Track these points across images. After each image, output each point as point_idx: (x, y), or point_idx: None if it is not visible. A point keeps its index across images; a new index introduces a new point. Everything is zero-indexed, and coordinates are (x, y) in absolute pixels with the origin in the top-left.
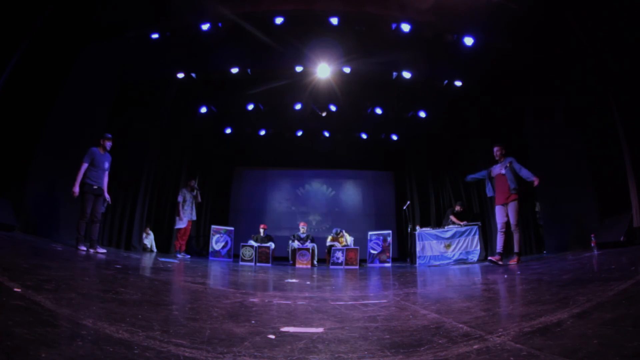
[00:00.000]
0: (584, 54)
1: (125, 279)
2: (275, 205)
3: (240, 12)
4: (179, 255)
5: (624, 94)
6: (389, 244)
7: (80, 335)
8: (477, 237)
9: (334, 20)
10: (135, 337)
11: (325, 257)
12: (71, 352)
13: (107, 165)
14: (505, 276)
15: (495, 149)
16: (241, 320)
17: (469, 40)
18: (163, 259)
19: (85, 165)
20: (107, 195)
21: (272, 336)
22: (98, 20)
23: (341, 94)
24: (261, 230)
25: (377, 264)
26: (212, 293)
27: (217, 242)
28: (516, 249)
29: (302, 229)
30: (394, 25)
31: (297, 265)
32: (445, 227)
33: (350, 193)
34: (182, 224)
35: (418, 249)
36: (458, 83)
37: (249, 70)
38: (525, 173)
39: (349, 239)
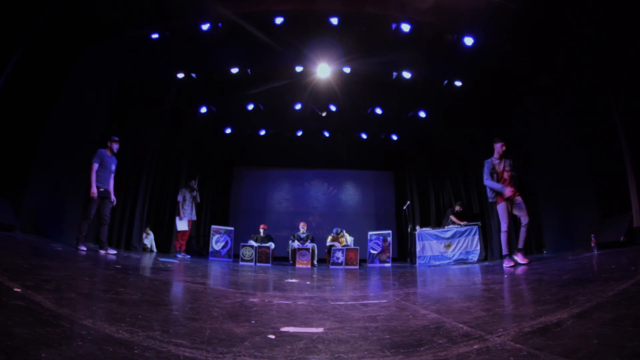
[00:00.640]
0: (584, 54)
1: (125, 279)
2: (275, 205)
3: (240, 12)
4: (179, 255)
5: (624, 94)
6: (389, 244)
7: (80, 335)
8: (477, 237)
9: (334, 20)
10: (135, 337)
11: (325, 257)
12: (71, 352)
13: (113, 167)
14: (505, 276)
15: (501, 144)
16: (241, 320)
17: (469, 40)
18: (163, 259)
19: (95, 166)
20: (113, 197)
21: (272, 336)
22: (98, 20)
23: (341, 94)
24: (261, 230)
25: (377, 264)
26: (212, 293)
27: (217, 242)
28: (522, 245)
29: (302, 229)
30: (394, 25)
31: (297, 265)
32: (445, 227)
33: (350, 193)
34: (183, 225)
35: (418, 249)
36: (458, 83)
37: (249, 70)
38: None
39: (349, 239)
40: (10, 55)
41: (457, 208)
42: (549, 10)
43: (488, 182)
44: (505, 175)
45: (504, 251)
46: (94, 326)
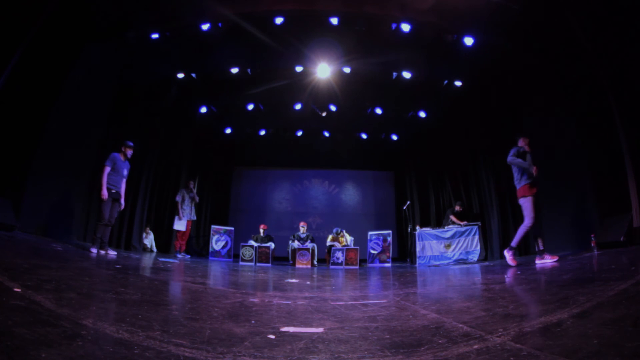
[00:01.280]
0: (584, 53)
1: (125, 279)
2: (275, 205)
3: (240, 12)
4: (179, 255)
5: (624, 94)
6: (389, 244)
7: (80, 335)
8: (477, 237)
9: (334, 20)
10: (135, 337)
11: (325, 257)
12: (71, 352)
13: (125, 172)
14: (505, 276)
15: (523, 139)
16: (241, 320)
17: (469, 40)
18: (163, 259)
19: (107, 169)
20: (122, 202)
21: (272, 336)
22: (98, 20)
23: (341, 94)
24: (261, 230)
25: (377, 264)
26: (212, 293)
27: (217, 242)
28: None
29: (302, 228)
30: (394, 25)
31: (297, 265)
32: (445, 227)
33: (350, 193)
34: (181, 226)
35: (418, 249)
36: (458, 83)
37: (249, 70)
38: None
39: (348, 239)
40: (10, 56)
41: (457, 208)
42: (549, 11)
43: (512, 158)
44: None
45: (514, 244)
46: (94, 326)
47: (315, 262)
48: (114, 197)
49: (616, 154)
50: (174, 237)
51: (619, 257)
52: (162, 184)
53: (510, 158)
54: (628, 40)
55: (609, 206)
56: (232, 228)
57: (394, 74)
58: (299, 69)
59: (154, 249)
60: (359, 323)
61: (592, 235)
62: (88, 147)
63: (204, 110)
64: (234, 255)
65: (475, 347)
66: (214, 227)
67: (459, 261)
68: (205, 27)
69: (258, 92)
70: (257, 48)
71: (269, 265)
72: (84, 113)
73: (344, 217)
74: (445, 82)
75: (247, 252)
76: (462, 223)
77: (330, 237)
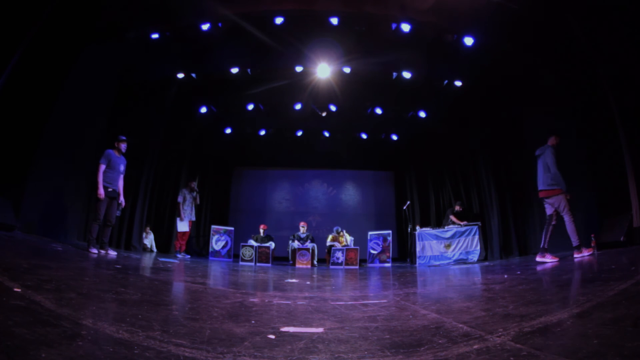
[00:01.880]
0: (584, 54)
1: (125, 279)
2: (275, 205)
3: (240, 12)
4: (179, 255)
5: (624, 94)
6: (389, 244)
7: (80, 335)
8: (477, 237)
9: (334, 20)
10: (135, 337)
11: (325, 257)
12: (71, 352)
13: (122, 168)
14: (505, 276)
15: (554, 137)
16: (241, 320)
17: (469, 41)
18: (163, 259)
19: (102, 167)
20: (122, 199)
21: (272, 336)
22: (98, 21)
23: (341, 94)
24: (261, 230)
25: (377, 264)
26: (212, 293)
27: (217, 242)
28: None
29: (302, 228)
30: (394, 25)
31: (297, 265)
32: (445, 227)
33: (350, 193)
34: (184, 226)
35: (418, 249)
36: (458, 83)
37: (249, 70)
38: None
39: (348, 239)
40: (10, 56)
41: (457, 208)
42: (549, 11)
43: (558, 170)
44: None
45: (576, 242)
46: (94, 326)
47: (315, 262)
48: (111, 196)
49: (616, 154)
50: (174, 237)
51: (619, 257)
52: (162, 184)
53: (556, 169)
54: (628, 40)
55: (609, 206)
56: (232, 228)
57: (394, 74)
58: (299, 69)
59: (154, 249)
60: (359, 323)
61: (592, 235)
62: (88, 147)
63: (204, 110)
64: (234, 255)
65: (475, 347)
66: (214, 227)
67: (459, 261)
68: (205, 27)
69: (258, 92)
70: (257, 48)
71: (269, 265)
72: (84, 113)
73: (344, 217)
74: (445, 82)
75: (247, 252)
76: (462, 223)
77: (330, 237)
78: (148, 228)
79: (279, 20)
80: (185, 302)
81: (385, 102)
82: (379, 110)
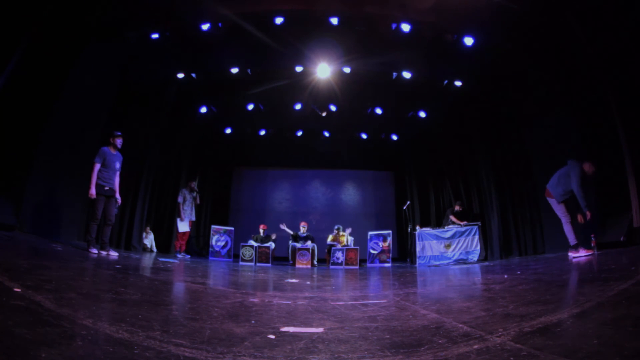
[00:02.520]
0: (584, 54)
1: (125, 279)
2: (275, 205)
3: (240, 12)
4: (179, 255)
5: (624, 94)
6: (389, 244)
7: (80, 335)
8: (477, 237)
9: (334, 20)
10: (135, 337)
11: (325, 257)
12: (71, 352)
13: (118, 165)
14: (505, 276)
15: (589, 164)
16: (241, 320)
17: (469, 41)
18: (163, 259)
19: (97, 166)
20: (118, 197)
21: (272, 336)
22: (98, 20)
23: (341, 94)
24: (261, 230)
25: (377, 264)
26: (212, 293)
27: (217, 242)
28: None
29: (302, 228)
30: (394, 25)
31: (297, 265)
32: (445, 227)
33: (350, 193)
34: (185, 227)
35: (418, 249)
36: (458, 83)
37: (249, 70)
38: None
39: (348, 239)
40: (10, 55)
41: (457, 208)
42: (549, 11)
43: (580, 188)
44: None
45: (573, 241)
46: (94, 326)
47: (315, 262)
48: (108, 194)
49: (616, 154)
50: (174, 237)
51: (619, 257)
52: (162, 184)
53: (579, 187)
54: (628, 40)
55: (609, 206)
56: (232, 228)
57: (394, 74)
58: (299, 69)
59: (154, 249)
60: (359, 323)
61: (592, 235)
62: (88, 147)
63: (204, 110)
64: (234, 255)
65: (475, 347)
66: (214, 227)
67: (459, 261)
68: (205, 27)
69: (258, 92)
70: (257, 48)
71: (269, 265)
72: (84, 113)
73: (344, 217)
74: (445, 82)
75: (247, 252)
76: (462, 223)
77: (330, 236)
78: (148, 228)
79: (279, 20)
80: (185, 302)
81: (385, 102)
82: (379, 111)
